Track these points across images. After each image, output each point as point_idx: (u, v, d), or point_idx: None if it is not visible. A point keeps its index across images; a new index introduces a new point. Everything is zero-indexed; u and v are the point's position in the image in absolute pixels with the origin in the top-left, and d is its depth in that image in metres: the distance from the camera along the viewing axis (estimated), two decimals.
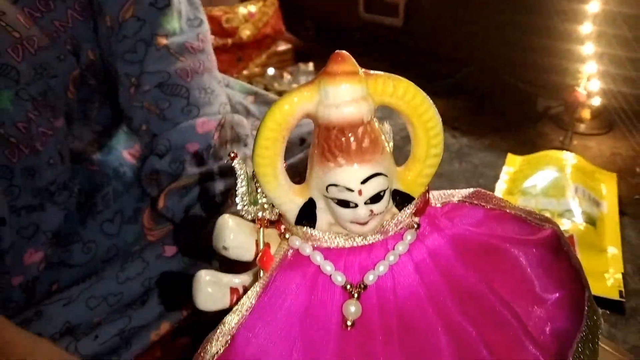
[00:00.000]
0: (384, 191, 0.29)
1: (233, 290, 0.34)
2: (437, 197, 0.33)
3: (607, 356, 0.52)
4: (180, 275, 0.56)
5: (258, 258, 0.32)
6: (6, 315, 0.46)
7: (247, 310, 0.31)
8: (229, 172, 0.60)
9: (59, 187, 0.55)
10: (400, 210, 0.31)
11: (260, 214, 0.32)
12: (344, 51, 0.28)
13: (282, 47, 1.39)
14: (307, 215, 0.31)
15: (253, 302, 0.32)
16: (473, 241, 0.32)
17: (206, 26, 0.66)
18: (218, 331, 0.31)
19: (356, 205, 0.29)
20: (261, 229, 0.33)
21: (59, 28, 0.56)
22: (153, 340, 0.54)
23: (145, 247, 0.58)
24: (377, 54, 1.39)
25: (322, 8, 1.59)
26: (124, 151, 0.66)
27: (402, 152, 0.32)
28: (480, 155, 1.02)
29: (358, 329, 0.30)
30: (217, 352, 0.30)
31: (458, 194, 0.33)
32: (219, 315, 0.33)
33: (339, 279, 0.30)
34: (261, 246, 0.33)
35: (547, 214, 0.47)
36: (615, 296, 0.66)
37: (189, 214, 0.59)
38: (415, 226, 0.31)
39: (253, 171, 0.31)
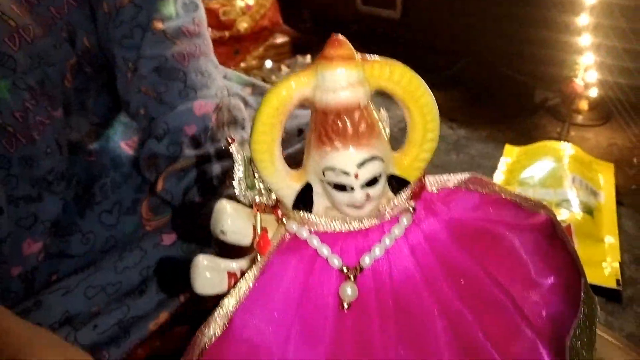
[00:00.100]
0: (380, 175, 0.29)
1: (231, 274, 0.34)
2: (433, 182, 0.33)
3: (604, 344, 0.53)
4: (178, 261, 0.57)
5: (255, 242, 0.33)
6: (5, 305, 0.46)
7: (244, 294, 0.32)
8: (227, 155, 0.60)
9: (57, 177, 0.55)
10: (396, 194, 0.31)
11: (257, 199, 0.33)
12: (340, 35, 0.28)
13: (280, 39, 1.39)
14: (304, 199, 0.31)
15: (250, 285, 0.32)
16: (469, 226, 0.32)
17: (202, 10, 0.66)
18: (215, 314, 0.31)
19: (352, 189, 0.29)
20: (258, 213, 0.33)
21: (55, 15, 0.56)
22: (152, 330, 0.54)
23: (143, 236, 0.58)
24: (374, 47, 1.38)
25: (320, 0, 1.58)
26: (122, 142, 0.66)
27: (398, 144, 0.32)
28: (477, 147, 1.02)
29: (354, 311, 0.31)
30: (214, 335, 0.31)
31: (454, 179, 0.34)
32: (217, 302, 0.33)
33: (336, 261, 0.31)
34: (258, 231, 0.33)
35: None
36: (612, 285, 0.66)
37: (187, 197, 0.59)
38: (411, 210, 0.31)
39: (250, 156, 0.31)
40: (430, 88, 0.30)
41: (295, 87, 0.28)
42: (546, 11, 1.05)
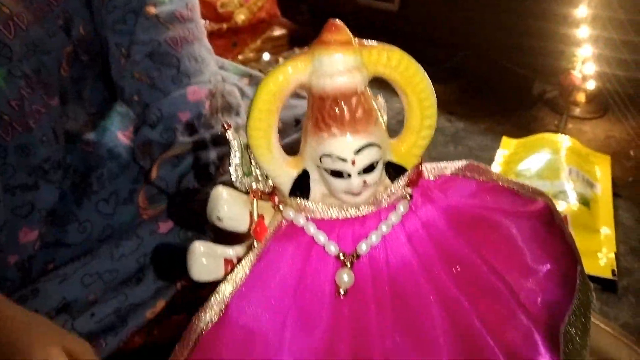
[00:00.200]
0: (377, 162, 0.29)
1: (227, 261, 0.34)
2: (430, 170, 0.34)
3: (599, 332, 0.53)
4: (175, 248, 0.57)
5: (252, 229, 0.33)
6: (2, 293, 0.46)
7: (241, 280, 0.32)
8: (221, 141, 0.60)
9: (53, 166, 0.55)
10: (393, 181, 0.31)
11: (254, 186, 0.33)
12: (338, 20, 0.28)
13: (278, 32, 1.38)
14: (301, 186, 0.31)
15: (247, 271, 0.32)
16: (465, 213, 0.32)
17: None
18: (212, 300, 0.31)
19: (349, 176, 0.29)
20: (255, 200, 0.33)
21: (51, 2, 0.55)
22: (149, 318, 0.54)
23: (139, 224, 0.58)
24: (372, 39, 1.38)
25: None
26: (119, 132, 0.66)
27: (396, 136, 0.32)
28: (475, 139, 1.02)
29: (351, 298, 0.31)
30: (210, 321, 0.31)
31: (451, 167, 0.34)
32: (214, 289, 0.33)
33: (332, 248, 0.31)
34: (255, 217, 0.33)
35: None
36: (607, 275, 0.66)
37: (182, 184, 0.59)
38: (408, 197, 0.31)
39: (247, 142, 0.31)
40: None
41: (292, 72, 0.28)
42: (544, 3, 1.05)
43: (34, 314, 0.44)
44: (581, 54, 1.01)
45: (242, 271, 0.32)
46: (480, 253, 0.32)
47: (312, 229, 0.31)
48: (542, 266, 0.34)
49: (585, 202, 0.77)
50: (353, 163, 0.28)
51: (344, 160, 0.28)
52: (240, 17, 1.32)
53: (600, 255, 0.69)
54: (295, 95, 0.77)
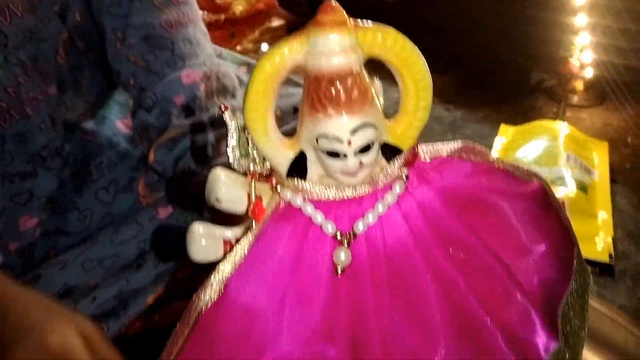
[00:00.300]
0: (373, 142, 0.30)
1: (226, 242, 0.35)
2: (425, 151, 0.34)
3: (595, 314, 0.54)
4: (174, 232, 0.57)
5: (250, 210, 0.33)
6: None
7: (240, 260, 0.32)
8: (216, 123, 0.61)
9: (52, 153, 0.55)
10: (389, 162, 0.32)
11: (251, 167, 0.33)
12: (333, 1, 0.28)
13: (276, 22, 1.38)
14: (298, 167, 0.32)
15: (246, 252, 0.32)
16: (461, 194, 0.33)
17: None
18: (211, 279, 0.32)
19: (346, 156, 0.29)
20: (253, 181, 0.33)
21: None
22: (149, 304, 0.54)
23: (139, 210, 0.58)
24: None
25: None
26: (118, 121, 0.66)
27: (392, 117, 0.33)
28: (473, 127, 1.03)
29: (348, 277, 0.31)
30: (210, 299, 0.31)
31: (446, 148, 0.34)
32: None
33: (330, 228, 0.31)
34: (253, 199, 0.34)
35: None
36: (605, 259, 0.67)
37: (178, 167, 0.59)
38: (404, 178, 0.32)
39: (244, 124, 0.31)
40: None
41: (287, 53, 0.28)
42: None
43: (44, 296, 0.45)
44: (579, 42, 1.02)
45: (241, 251, 0.33)
46: (476, 233, 0.32)
47: (309, 209, 0.31)
48: (538, 246, 0.34)
49: (582, 188, 0.77)
50: (349, 143, 0.29)
51: (339, 140, 0.29)
52: (238, 8, 1.32)
53: (597, 240, 0.70)
54: (294, 83, 0.78)
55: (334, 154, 0.29)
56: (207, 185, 0.35)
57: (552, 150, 0.84)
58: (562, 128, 0.90)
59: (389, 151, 0.32)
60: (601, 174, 0.83)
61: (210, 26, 1.26)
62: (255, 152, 0.33)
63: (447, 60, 1.22)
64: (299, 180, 0.32)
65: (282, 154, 0.32)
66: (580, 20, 1.01)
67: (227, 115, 0.32)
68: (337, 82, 0.28)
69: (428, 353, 0.30)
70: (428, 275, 0.31)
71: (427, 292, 0.31)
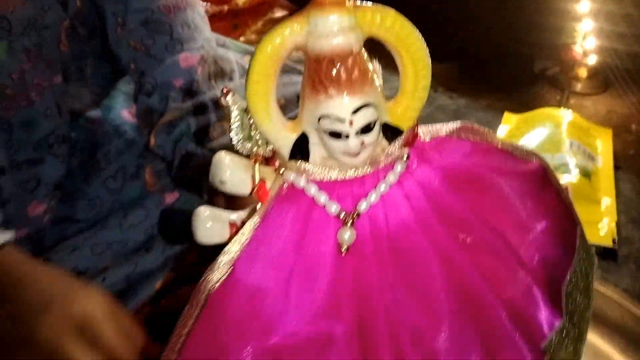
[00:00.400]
0: (374, 122, 0.30)
1: (231, 225, 0.35)
2: (425, 132, 0.34)
3: (598, 296, 0.54)
4: (181, 216, 0.58)
5: (254, 191, 0.34)
6: None
7: (246, 241, 0.32)
8: (213, 106, 0.61)
9: (58, 140, 0.56)
10: (390, 143, 0.32)
11: (254, 150, 0.34)
12: None
13: (279, 13, 1.38)
14: (301, 149, 0.32)
15: (251, 233, 0.33)
16: (461, 172, 0.33)
17: None
18: (219, 260, 0.32)
19: (347, 137, 0.30)
20: (256, 164, 0.34)
21: None
22: (157, 289, 0.55)
23: (146, 196, 0.59)
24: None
25: None
26: (124, 110, 0.67)
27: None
28: (477, 115, 1.03)
29: (352, 255, 0.32)
30: (218, 280, 0.31)
31: (445, 128, 0.34)
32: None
33: (333, 208, 0.32)
34: (257, 181, 0.34)
35: None
36: (608, 244, 0.67)
37: (176, 150, 0.60)
38: (405, 157, 0.32)
39: (247, 107, 0.32)
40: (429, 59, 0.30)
41: (288, 34, 0.29)
42: None
43: (62, 271, 0.46)
44: (582, 29, 1.01)
45: (247, 233, 0.33)
46: (477, 211, 0.33)
47: (312, 190, 0.32)
48: (538, 224, 0.35)
49: (586, 174, 0.77)
50: (351, 123, 0.29)
51: (341, 120, 0.29)
52: None
53: (601, 225, 0.70)
54: (297, 72, 0.78)
55: (336, 135, 0.30)
56: (211, 168, 0.35)
57: (555, 137, 0.84)
58: (565, 115, 0.90)
59: (390, 132, 0.32)
60: (605, 160, 0.83)
61: (213, 17, 1.27)
62: (257, 135, 0.34)
63: (450, 48, 1.22)
64: (302, 162, 0.32)
65: (284, 136, 0.32)
66: (583, 6, 1.01)
67: (229, 98, 0.32)
68: (338, 62, 0.28)
69: (432, 330, 0.31)
70: (431, 253, 0.32)
71: (431, 270, 0.32)
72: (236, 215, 0.36)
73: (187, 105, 0.61)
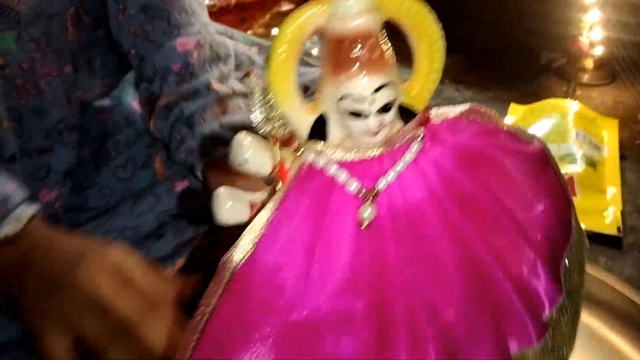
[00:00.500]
0: (393, 102, 0.31)
1: (252, 205, 0.36)
2: (435, 115, 0.35)
3: (603, 286, 0.55)
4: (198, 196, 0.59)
5: (275, 171, 0.34)
6: None
7: (267, 221, 0.33)
8: (204, 91, 0.62)
9: (67, 127, 0.57)
10: (405, 123, 0.33)
11: (274, 130, 0.34)
12: None
13: (286, 7, 1.39)
14: (319, 130, 0.33)
15: (273, 213, 0.34)
16: (471, 152, 0.34)
17: None
18: (242, 239, 0.33)
19: (367, 116, 0.31)
20: (276, 144, 0.35)
21: None
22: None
23: (156, 183, 0.60)
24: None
25: None
26: (133, 101, 0.68)
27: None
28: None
29: (371, 232, 0.32)
30: (242, 259, 0.32)
31: (454, 111, 0.36)
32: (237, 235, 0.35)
33: (353, 186, 0.32)
34: (276, 161, 0.35)
35: None
36: (613, 232, 0.68)
37: (172, 134, 0.61)
38: (420, 137, 0.33)
39: (267, 87, 0.32)
40: None
41: (310, 15, 0.29)
42: None
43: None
44: (588, 20, 1.02)
45: (267, 212, 0.34)
46: (486, 189, 0.34)
47: (332, 169, 0.33)
48: (540, 203, 0.36)
49: (592, 163, 0.78)
50: (371, 103, 0.30)
51: (362, 100, 0.30)
52: None
53: (606, 214, 0.71)
54: (304, 63, 0.79)
55: (356, 115, 0.31)
56: (231, 150, 0.36)
57: (561, 127, 0.85)
58: (572, 106, 0.91)
59: (404, 112, 0.33)
60: (610, 150, 0.84)
61: (221, 10, 1.27)
62: (277, 116, 0.34)
63: (457, 40, 1.23)
64: (321, 142, 0.33)
65: (303, 117, 0.33)
66: None
67: (252, 80, 0.33)
68: (359, 43, 0.29)
69: (445, 304, 0.32)
70: (443, 230, 0.33)
71: (443, 246, 0.33)
72: (256, 196, 0.36)
73: (182, 89, 0.62)
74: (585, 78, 1.07)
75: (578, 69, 1.07)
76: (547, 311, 0.35)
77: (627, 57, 1.02)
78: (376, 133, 0.31)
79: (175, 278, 0.50)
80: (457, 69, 1.16)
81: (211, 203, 0.36)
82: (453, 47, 1.10)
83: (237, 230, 0.35)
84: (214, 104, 0.61)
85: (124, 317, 0.44)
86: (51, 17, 0.56)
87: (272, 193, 0.36)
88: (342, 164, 0.33)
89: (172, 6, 0.64)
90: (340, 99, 0.31)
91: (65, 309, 0.45)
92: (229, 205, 0.36)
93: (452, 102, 1.06)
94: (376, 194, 0.32)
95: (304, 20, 0.30)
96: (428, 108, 0.33)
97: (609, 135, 0.88)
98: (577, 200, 0.73)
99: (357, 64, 0.29)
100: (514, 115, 0.95)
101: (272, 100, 0.33)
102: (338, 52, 0.30)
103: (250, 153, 0.35)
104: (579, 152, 0.79)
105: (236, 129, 0.57)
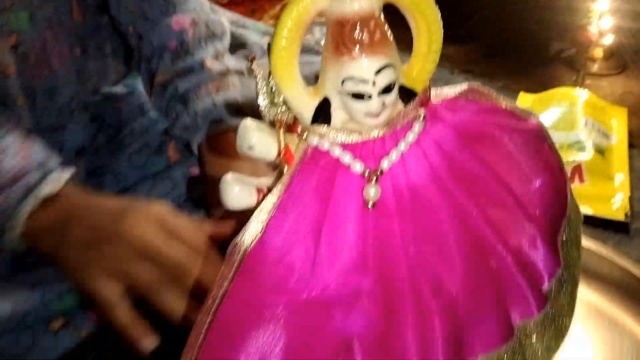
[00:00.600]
0: (394, 83, 0.32)
1: (259, 189, 0.37)
2: (435, 95, 0.36)
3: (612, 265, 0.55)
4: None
5: (281, 155, 0.35)
6: None
7: (274, 204, 0.34)
8: (200, 68, 0.63)
9: (79, 106, 0.58)
10: (405, 104, 0.34)
11: (279, 115, 0.35)
12: None
13: None
14: (323, 114, 0.34)
15: (279, 196, 0.34)
16: (471, 130, 0.35)
17: None
18: (251, 222, 0.34)
19: (370, 97, 0.31)
20: (281, 129, 0.36)
21: None
22: None
23: (171, 167, 0.62)
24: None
25: None
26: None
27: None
28: None
29: (376, 211, 0.33)
30: (252, 242, 0.33)
31: (453, 90, 0.36)
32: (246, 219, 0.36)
33: (358, 166, 0.33)
34: (282, 145, 0.36)
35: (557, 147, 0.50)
36: (620, 217, 0.69)
37: (168, 112, 0.63)
38: (422, 117, 0.34)
39: (270, 72, 0.33)
40: (445, 41, 0.33)
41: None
42: None
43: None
44: (597, 9, 1.01)
45: (274, 196, 0.35)
46: (486, 165, 0.35)
47: (337, 151, 0.33)
48: (538, 179, 0.37)
49: (600, 151, 0.78)
50: (374, 84, 0.31)
51: (365, 81, 0.31)
52: None
53: (614, 200, 0.71)
54: (315, 52, 0.80)
55: (359, 97, 0.31)
56: (238, 135, 0.37)
57: (570, 115, 0.85)
58: (581, 94, 0.90)
59: (405, 94, 0.34)
60: (619, 138, 0.84)
61: (231, 2, 1.28)
62: (280, 100, 0.35)
63: (466, 30, 1.23)
64: (324, 126, 0.34)
65: (307, 102, 0.34)
66: None
67: (255, 65, 0.34)
68: (361, 25, 0.30)
69: (449, 279, 0.33)
70: (445, 208, 0.34)
71: (446, 223, 0.34)
72: (262, 180, 0.37)
73: (177, 66, 0.63)
74: (595, 68, 1.07)
75: (587, 59, 1.06)
76: (546, 283, 0.36)
77: (637, 46, 1.01)
78: (378, 114, 0.32)
79: (211, 224, 0.52)
80: (466, 59, 1.16)
81: (219, 189, 0.37)
82: (463, 37, 1.10)
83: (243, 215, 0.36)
84: (208, 82, 0.62)
85: (176, 263, 0.46)
86: None
87: (279, 177, 0.36)
88: (346, 146, 0.34)
89: None
90: (343, 81, 0.31)
91: (116, 258, 0.47)
92: (236, 190, 0.36)
93: None
94: (380, 174, 0.33)
95: (306, 4, 0.30)
96: (428, 88, 0.34)
97: (618, 124, 0.87)
98: (586, 187, 0.73)
99: (359, 46, 0.30)
100: (523, 104, 0.95)
101: (275, 86, 0.34)
102: (340, 34, 0.30)
103: (257, 138, 0.35)
104: (587, 140, 0.79)
105: (230, 105, 0.59)
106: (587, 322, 0.51)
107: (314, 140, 0.35)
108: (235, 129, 0.35)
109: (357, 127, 0.34)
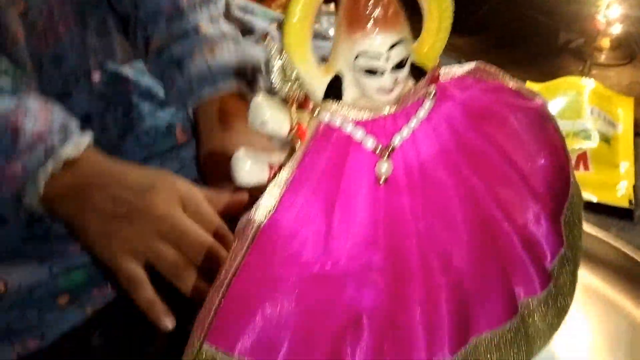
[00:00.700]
0: (406, 59, 0.32)
1: (270, 166, 0.37)
2: (443, 73, 0.37)
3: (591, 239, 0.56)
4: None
5: (294, 131, 0.36)
6: None
7: (286, 180, 0.34)
8: (193, 33, 0.64)
9: (84, 74, 0.59)
10: (416, 81, 0.34)
11: (291, 92, 0.36)
12: None
13: None
14: (334, 90, 0.34)
15: (291, 172, 0.35)
16: (479, 108, 0.36)
17: None
18: (264, 198, 0.34)
19: (383, 73, 0.32)
20: (293, 106, 0.36)
21: None
22: None
23: (179, 147, 0.62)
24: None
25: None
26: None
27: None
28: None
29: (387, 187, 0.34)
30: (265, 217, 0.34)
31: (461, 69, 0.37)
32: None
33: (370, 142, 0.34)
34: (294, 122, 0.36)
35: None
36: (625, 204, 0.69)
37: (164, 78, 0.63)
38: (432, 94, 0.34)
39: (283, 48, 0.33)
40: (454, 33, 0.33)
41: None
42: None
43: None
44: None
45: (287, 172, 0.35)
46: (493, 143, 0.35)
47: (349, 127, 0.34)
48: (543, 158, 0.38)
49: (606, 139, 0.79)
50: (387, 60, 0.31)
51: (378, 57, 0.31)
52: None
53: (618, 188, 0.72)
54: (322, 37, 0.80)
55: (371, 72, 0.32)
56: (250, 112, 0.37)
57: (576, 104, 0.85)
58: (587, 84, 0.90)
59: (415, 71, 0.34)
60: (625, 127, 0.84)
61: None
62: (292, 77, 0.35)
63: (474, 21, 1.23)
64: (336, 102, 0.34)
65: (319, 78, 0.34)
66: None
67: (268, 41, 0.34)
68: (375, 0, 0.30)
69: (457, 254, 0.33)
70: (454, 184, 0.34)
71: (454, 200, 0.35)
72: (274, 157, 0.38)
73: (171, 31, 0.63)
74: (602, 58, 1.07)
75: (594, 49, 1.06)
76: (549, 261, 0.36)
77: None
78: (391, 90, 0.33)
79: (228, 196, 0.52)
80: (475, 49, 1.16)
81: (231, 165, 0.37)
82: (471, 28, 1.10)
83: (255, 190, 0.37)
84: (203, 46, 0.62)
85: (204, 243, 0.47)
86: None
87: (291, 154, 0.37)
88: (358, 123, 0.34)
89: None
90: (356, 57, 0.32)
91: (142, 235, 0.47)
92: (248, 166, 0.37)
93: None
94: (392, 150, 0.34)
95: None
96: (437, 67, 0.35)
97: (624, 113, 0.88)
98: (591, 175, 0.74)
99: (373, 21, 0.30)
100: None
101: (288, 62, 0.34)
102: (354, 9, 0.31)
103: (269, 115, 0.36)
104: (593, 128, 0.80)
105: (225, 70, 0.59)
106: (586, 304, 0.52)
107: (326, 117, 0.35)
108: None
109: (368, 104, 0.34)
